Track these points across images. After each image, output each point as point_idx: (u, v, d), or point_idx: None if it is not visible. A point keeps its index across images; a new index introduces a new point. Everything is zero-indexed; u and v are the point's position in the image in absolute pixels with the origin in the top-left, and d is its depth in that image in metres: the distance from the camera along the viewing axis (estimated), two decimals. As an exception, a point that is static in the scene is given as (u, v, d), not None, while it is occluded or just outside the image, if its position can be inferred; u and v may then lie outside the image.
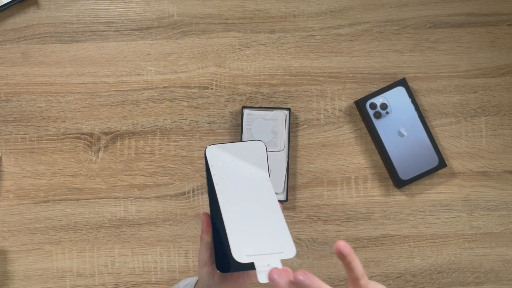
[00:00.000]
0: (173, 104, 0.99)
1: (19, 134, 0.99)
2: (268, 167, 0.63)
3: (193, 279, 0.75)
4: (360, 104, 0.97)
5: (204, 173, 0.98)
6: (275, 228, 0.60)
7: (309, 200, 0.99)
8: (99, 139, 0.99)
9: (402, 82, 0.97)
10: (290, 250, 0.58)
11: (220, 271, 0.63)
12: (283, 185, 0.97)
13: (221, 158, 0.62)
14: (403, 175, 0.97)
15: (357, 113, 1.00)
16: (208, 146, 0.62)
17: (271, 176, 0.97)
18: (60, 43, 0.99)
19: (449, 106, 1.00)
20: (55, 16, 0.99)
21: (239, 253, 0.57)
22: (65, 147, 0.99)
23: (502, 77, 1.00)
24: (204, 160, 0.64)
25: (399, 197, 1.00)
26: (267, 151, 0.63)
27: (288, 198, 0.99)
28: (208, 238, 0.64)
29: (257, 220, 0.60)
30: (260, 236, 0.59)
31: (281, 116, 0.97)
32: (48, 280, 0.98)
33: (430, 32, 1.00)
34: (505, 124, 1.00)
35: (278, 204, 0.62)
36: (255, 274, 0.56)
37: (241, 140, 0.62)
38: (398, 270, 1.00)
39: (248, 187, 0.62)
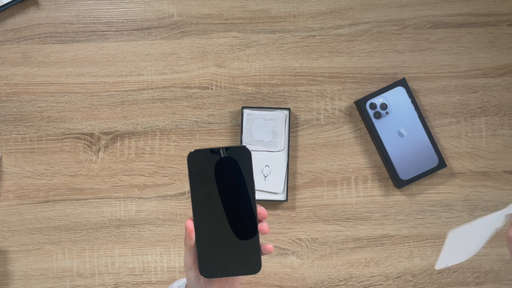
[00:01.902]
0: (173, 104, 0.99)
1: (19, 134, 0.99)
2: (253, 173, 0.62)
3: (185, 281, 0.75)
4: (360, 104, 0.97)
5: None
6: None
7: (309, 200, 0.99)
8: (99, 139, 0.99)
9: (402, 82, 0.97)
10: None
11: (204, 276, 0.64)
12: (283, 185, 0.97)
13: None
14: (403, 175, 0.97)
15: (357, 113, 1.00)
16: (190, 152, 0.62)
17: (270, 176, 0.97)
18: (60, 43, 0.99)
19: (449, 106, 1.00)
20: (55, 16, 0.99)
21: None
22: (65, 147, 0.99)
23: (502, 77, 1.00)
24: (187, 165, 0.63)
25: (399, 197, 1.00)
26: (251, 157, 0.63)
27: (288, 198, 0.99)
28: (191, 243, 0.64)
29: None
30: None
31: (281, 116, 0.97)
32: (48, 280, 0.98)
33: (430, 32, 1.00)
34: (505, 124, 1.00)
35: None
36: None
37: (223, 146, 0.62)
38: (398, 270, 1.00)
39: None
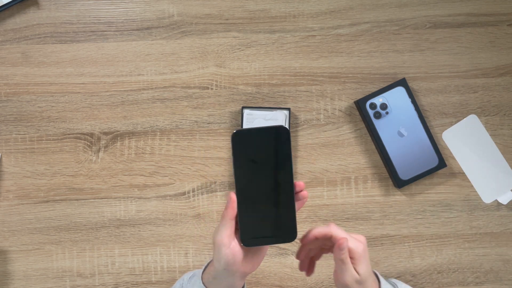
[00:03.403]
0: (173, 104, 0.99)
1: (19, 134, 0.99)
2: (291, 150, 0.67)
3: (198, 271, 0.75)
4: (360, 104, 0.97)
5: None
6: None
7: (309, 200, 0.99)
8: (99, 139, 0.99)
9: (402, 82, 0.97)
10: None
11: (245, 245, 0.67)
12: (283, 185, 0.97)
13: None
14: (403, 175, 0.97)
15: (357, 113, 1.00)
16: (234, 131, 0.66)
17: None
18: (60, 43, 0.99)
19: (449, 106, 1.00)
20: (55, 16, 0.99)
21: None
22: (65, 147, 0.99)
23: (502, 77, 1.00)
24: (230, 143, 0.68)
25: (399, 197, 1.00)
26: (290, 135, 0.67)
27: (288, 198, 0.99)
28: (232, 214, 0.66)
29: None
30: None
31: (281, 116, 0.97)
32: (48, 280, 0.98)
33: (430, 32, 1.00)
34: (505, 124, 1.00)
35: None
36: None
37: (264, 126, 0.66)
38: (398, 270, 1.00)
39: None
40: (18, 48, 0.99)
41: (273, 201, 0.67)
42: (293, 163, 0.67)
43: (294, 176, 0.68)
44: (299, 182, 0.68)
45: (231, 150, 0.67)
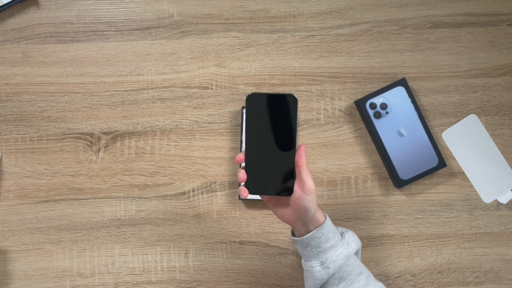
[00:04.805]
0: (173, 104, 0.99)
1: (19, 134, 0.99)
2: (297, 117, 0.76)
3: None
4: (360, 104, 0.97)
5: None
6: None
7: (309, 200, 0.99)
8: (99, 139, 0.99)
9: (402, 82, 0.97)
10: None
11: (250, 193, 0.76)
12: (283, 185, 0.97)
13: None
14: (403, 175, 0.97)
15: (357, 113, 1.00)
16: (249, 94, 0.72)
17: None
18: (60, 43, 0.99)
19: (449, 106, 1.00)
20: (55, 16, 0.99)
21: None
22: (65, 147, 0.99)
23: (501, 77, 1.01)
24: (245, 104, 0.76)
25: (399, 197, 1.00)
26: (297, 103, 0.75)
27: (288, 198, 0.99)
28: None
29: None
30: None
31: (281, 116, 0.97)
32: (48, 280, 0.98)
33: (430, 32, 1.00)
34: (505, 124, 1.00)
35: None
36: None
37: (276, 93, 0.79)
38: (398, 270, 1.00)
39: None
40: (18, 48, 0.99)
41: (277, 158, 0.75)
42: (297, 129, 0.76)
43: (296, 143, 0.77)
44: (300, 144, 0.76)
45: (245, 109, 0.72)
